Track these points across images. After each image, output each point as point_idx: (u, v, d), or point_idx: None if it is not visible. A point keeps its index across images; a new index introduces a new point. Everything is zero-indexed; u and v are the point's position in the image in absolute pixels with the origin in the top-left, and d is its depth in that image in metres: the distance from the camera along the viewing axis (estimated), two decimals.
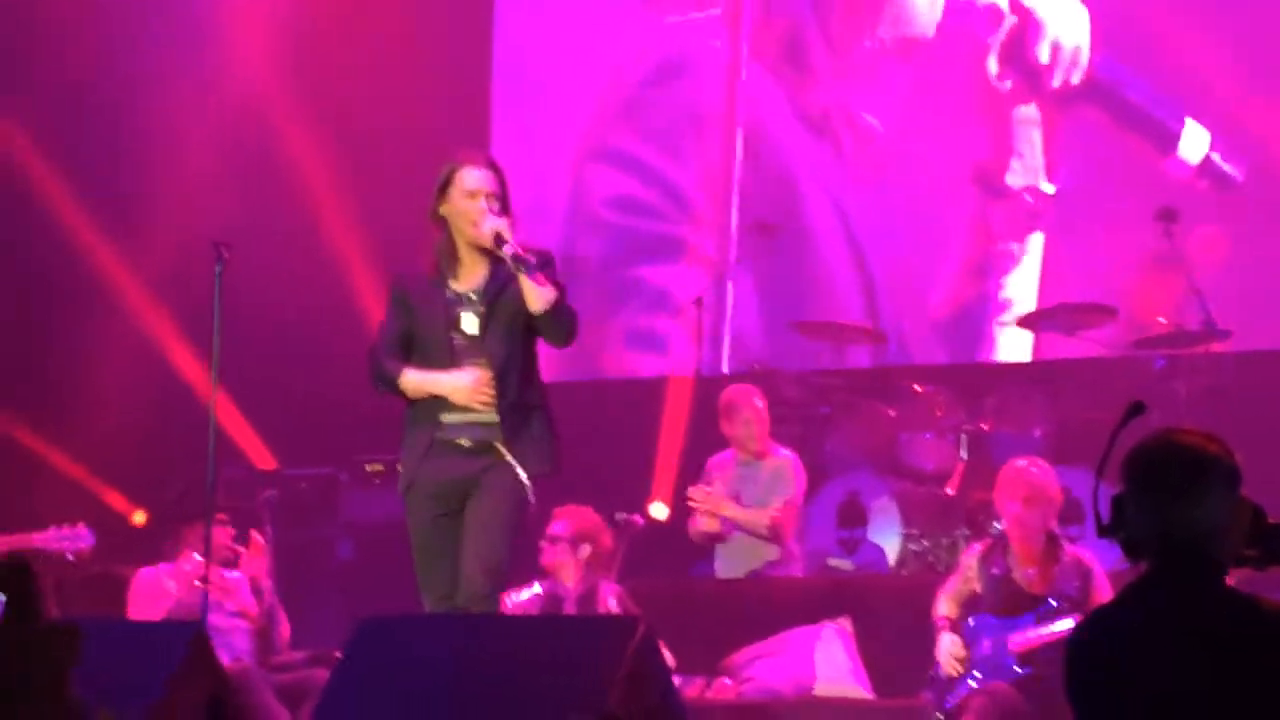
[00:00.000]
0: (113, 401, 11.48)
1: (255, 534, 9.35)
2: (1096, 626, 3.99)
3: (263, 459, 11.75)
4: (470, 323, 6.72)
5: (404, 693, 5.44)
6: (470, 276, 6.76)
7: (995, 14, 11.86)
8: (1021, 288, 11.61)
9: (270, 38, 12.44)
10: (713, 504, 9.80)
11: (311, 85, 12.11)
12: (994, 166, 11.78)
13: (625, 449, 11.33)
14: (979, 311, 11.71)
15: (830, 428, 11.02)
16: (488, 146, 13.00)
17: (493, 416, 6.64)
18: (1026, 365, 11.04)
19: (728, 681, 9.01)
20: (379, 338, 6.86)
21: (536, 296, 6.58)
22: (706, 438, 10.49)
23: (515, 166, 12.60)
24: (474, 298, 6.73)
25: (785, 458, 9.96)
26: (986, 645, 7.96)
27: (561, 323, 6.68)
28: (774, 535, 9.79)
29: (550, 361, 12.54)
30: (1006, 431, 10.55)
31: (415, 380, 6.67)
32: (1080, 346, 10.97)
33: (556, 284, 6.68)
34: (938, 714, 7.97)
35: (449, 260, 6.75)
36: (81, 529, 8.79)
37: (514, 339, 6.70)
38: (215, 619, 8.41)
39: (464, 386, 6.62)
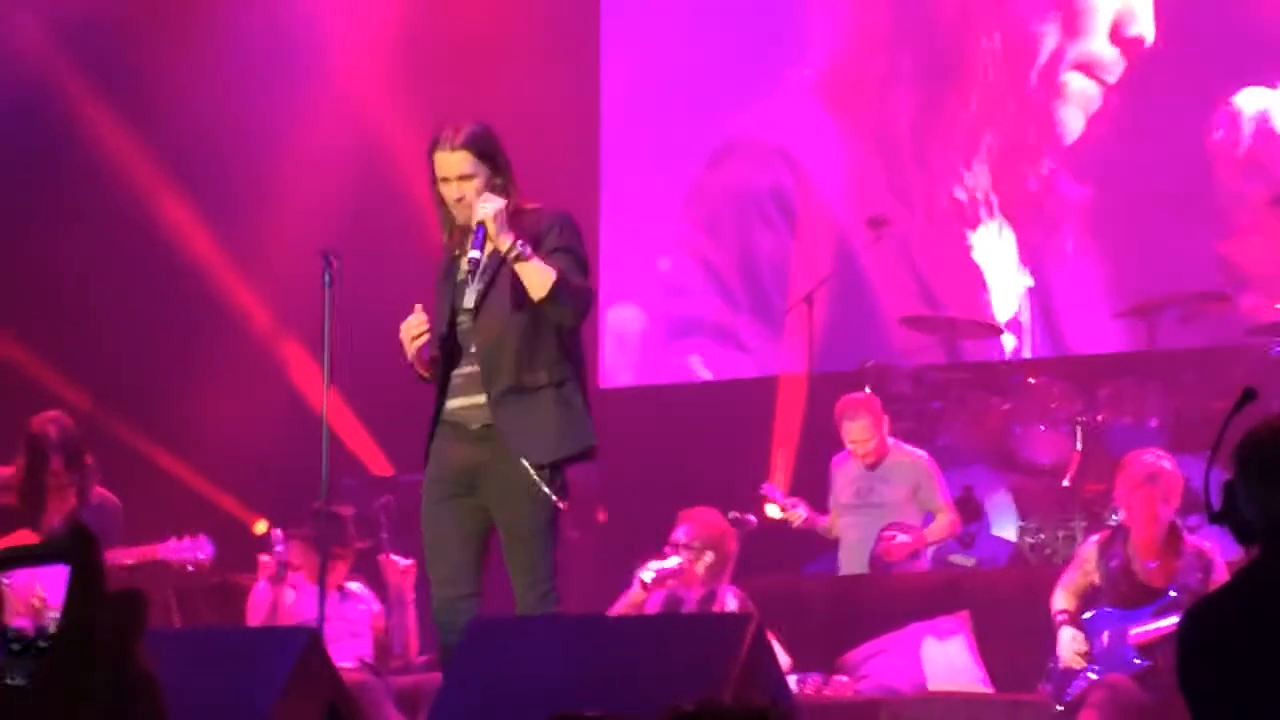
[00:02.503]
0: (231, 412, 11.59)
1: (397, 558, 9.37)
2: (1206, 614, 3.96)
3: (379, 465, 11.82)
4: (470, 298, 6.40)
5: (517, 694, 5.45)
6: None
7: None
8: None
9: (379, 50, 12.53)
10: (907, 551, 9.81)
11: (421, 94, 12.17)
12: None
13: (740, 448, 11.33)
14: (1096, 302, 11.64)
15: (943, 423, 10.98)
16: (597, 148, 13.08)
17: (487, 399, 6.35)
18: (1141, 355, 10.94)
19: (845, 679, 8.99)
20: None
21: (531, 284, 6.25)
22: (821, 435, 10.49)
23: (627, 164, 12.90)
24: (476, 270, 6.37)
25: (920, 458, 9.97)
26: (1106, 638, 7.91)
27: (564, 303, 6.29)
28: (953, 535, 9.95)
29: (665, 363, 12.76)
30: (1122, 422, 10.47)
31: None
32: (1195, 335, 10.88)
33: (569, 251, 6.36)
34: (1057, 707, 7.93)
35: (454, 239, 6.48)
36: (203, 540, 8.88)
37: (510, 318, 6.33)
38: (332, 626, 8.46)
39: (402, 334, 6.41)
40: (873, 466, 10.00)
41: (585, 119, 13.13)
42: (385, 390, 11.54)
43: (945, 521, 9.93)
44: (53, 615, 1.70)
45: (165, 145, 11.90)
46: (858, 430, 9.97)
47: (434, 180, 6.48)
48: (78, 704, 1.60)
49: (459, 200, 6.37)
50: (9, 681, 1.52)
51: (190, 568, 8.77)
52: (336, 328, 7.84)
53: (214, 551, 8.87)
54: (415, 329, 6.39)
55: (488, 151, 6.42)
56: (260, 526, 11.27)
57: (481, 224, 6.27)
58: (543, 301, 6.25)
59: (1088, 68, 11.98)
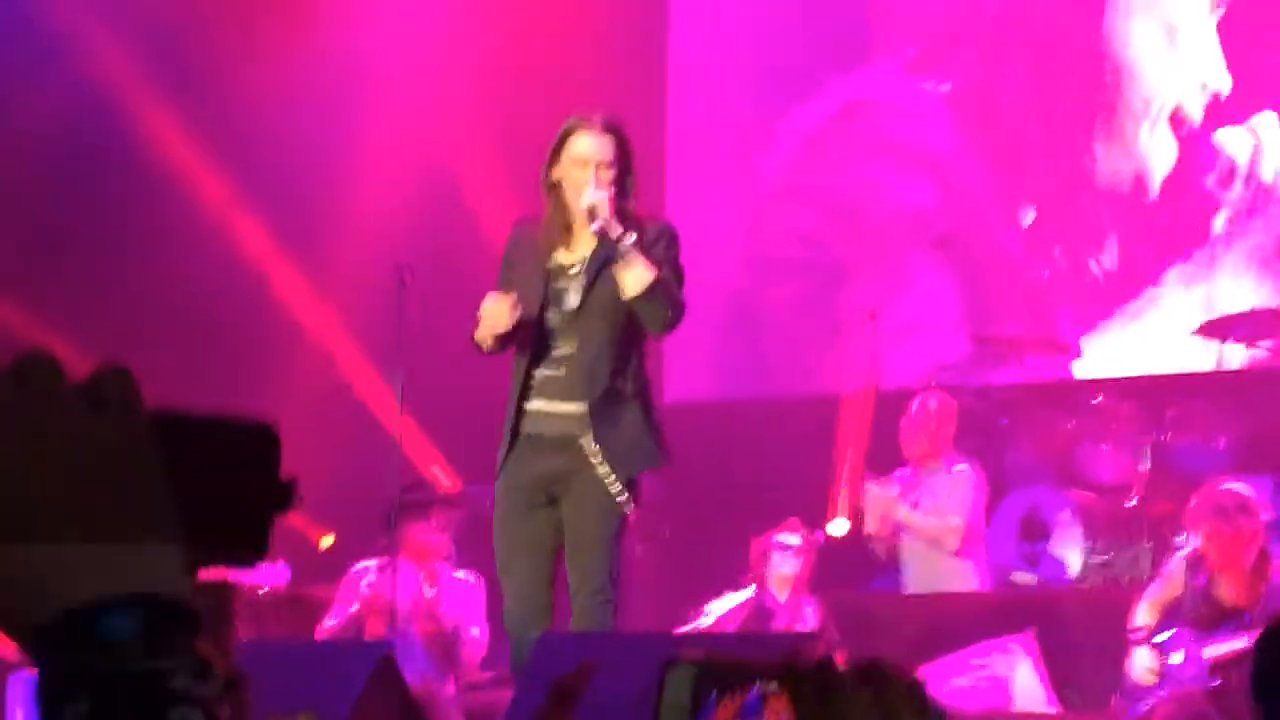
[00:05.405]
0: (299, 425, 11.63)
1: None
2: None
3: (447, 479, 11.84)
4: (573, 299, 6.26)
5: (586, 709, 5.46)
6: (580, 248, 6.28)
7: (1231, 172, 11.63)
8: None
9: (449, 67, 12.57)
10: (885, 505, 9.83)
11: (492, 108, 12.23)
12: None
13: (804, 465, 11.33)
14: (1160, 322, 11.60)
15: (1010, 440, 10.97)
16: (664, 162, 13.11)
17: (578, 407, 6.22)
18: (1209, 375, 10.91)
19: None
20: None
21: (629, 279, 6.12)
22: (886, 453, 10.48)
23: (688, 183, 12.91)
24: (577, 272, 6.28)
25: (962, 468, 9.96)
26: (1181, 656, 7.88)
27: (657, 308, 6.18)
28: (948, 543, 9.80)
29: (729, 379, 12.76)
30: (1189, 442, 10.44)
31: (480, 330, 6.31)
32: (1265, 355, 10.83)
33: (671, 263, 6.24)
34: None
35: (560, 229, 6.30)
36: (280, 565, 8.85)
37: (612, 322, 6.23)
38: (400, 638, 8.49)
39: (483, 312, 6.21)
40: (922, 470, 10.00)
41: (651, 135, 13.15)
42: (453, 403, 11.62)
43: (945, 525, 9.78)
44: None
45: (237, 157, 11.97)
46: (907, 424, 10.02)
47: (553, 162, 6.33)
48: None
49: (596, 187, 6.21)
50: None
51: (264, 591, 8.74)
52: (406, 341, 7.87)
53: (289, 577, 8.84)
54: (506, 319, 6.23)
55: (627, 147, 6.32)
56: (326, 540, 11.32)
57: (592, 210, 6.15)
58: (637, 299, 6.16)
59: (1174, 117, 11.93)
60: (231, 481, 1.40)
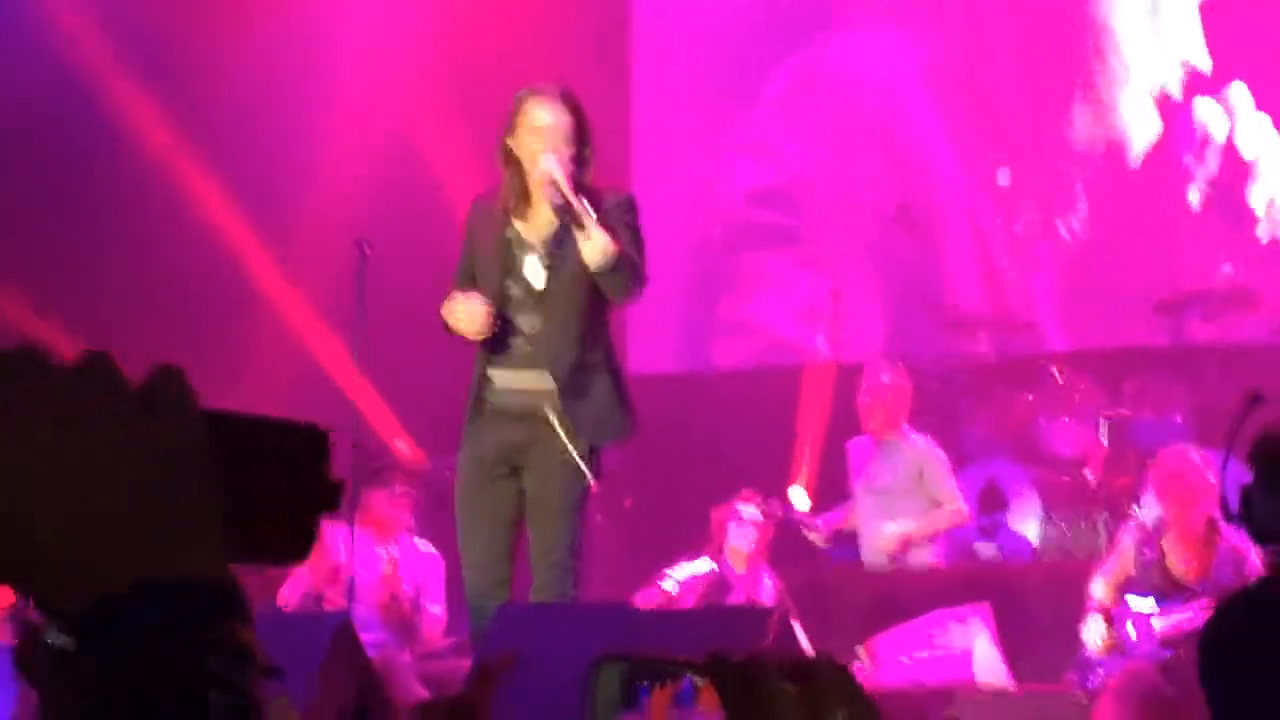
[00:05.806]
0: (259, 396, 11.64)
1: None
2: (1229, 613, 3.99)
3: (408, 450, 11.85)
4: (534, 271, 6.26)
5: (541, 680, 5.49)
6: (539, 219, 6.28)
7: (1205, 146, 11.65)
8: None
9: (411, 37, 12.56)
10: (896, 542, 9.84)
11: (453, 81, 12.22)
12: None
13: (765, 437, 11.36)
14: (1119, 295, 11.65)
15: (968, 415, 11.01)
16: (628, 137, 13.11)
17: (544, 379, 6.23)
18: (1167, 350, 10.96)
19: (867, 668, 9.03)
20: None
21: (589, 249, 6.10)
22: (846, 426, 10.52)
23: (651, 156, 12.91)
24: (539, 243, 6.28)
25: (923, 445, 9.98)
26: (1133, 629, 7.94)
27: (619, 278, 6.18)
28: (963, 521, 9.95)
29: (691, 350, 12.78)
30: (1146, 417, 10.49)
31: (443, 311, 6.32)
32: (1221, 331, 10.89)
33: (630, 229, 6.25)
34: (1081, 694, 7.97)
35: (517, 200, 6.29)
36: None
37: (578, 296, 6.23)
38: (358, 608, 8.50)
39: (457, 312, 6.22)
40: (878, 443, 10.03)
41: (616, 111, 13.15)
42: (412, 375, 11.63)
43: (946, 512, 9.84)
44: None
45: (200, 130, 11.95)
46: (864, 393, 10.07)
47: (509, 133, 6.31)
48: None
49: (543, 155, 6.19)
50: (51, 641, 1.53)
51: None
52: (366, 314, 7.87)
53: None
54: (479, 322, 6.24)
55: (582, 117, 6.31)
56: None
57: (548, 178, 6.14)
58: (600, 270, 6.15)
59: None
60: (281, 481, 1.43)
